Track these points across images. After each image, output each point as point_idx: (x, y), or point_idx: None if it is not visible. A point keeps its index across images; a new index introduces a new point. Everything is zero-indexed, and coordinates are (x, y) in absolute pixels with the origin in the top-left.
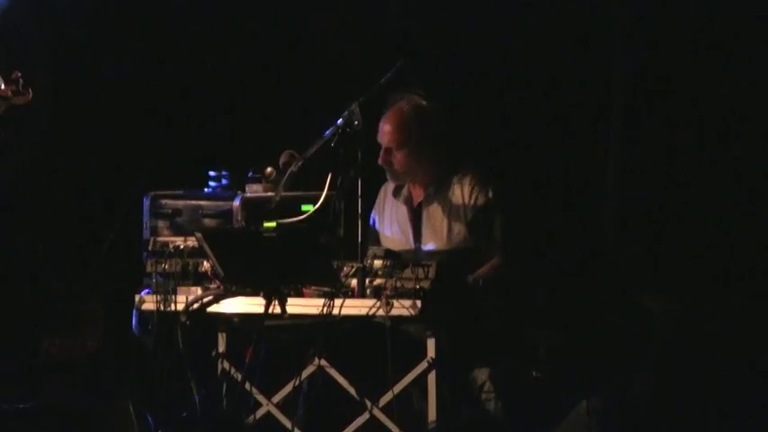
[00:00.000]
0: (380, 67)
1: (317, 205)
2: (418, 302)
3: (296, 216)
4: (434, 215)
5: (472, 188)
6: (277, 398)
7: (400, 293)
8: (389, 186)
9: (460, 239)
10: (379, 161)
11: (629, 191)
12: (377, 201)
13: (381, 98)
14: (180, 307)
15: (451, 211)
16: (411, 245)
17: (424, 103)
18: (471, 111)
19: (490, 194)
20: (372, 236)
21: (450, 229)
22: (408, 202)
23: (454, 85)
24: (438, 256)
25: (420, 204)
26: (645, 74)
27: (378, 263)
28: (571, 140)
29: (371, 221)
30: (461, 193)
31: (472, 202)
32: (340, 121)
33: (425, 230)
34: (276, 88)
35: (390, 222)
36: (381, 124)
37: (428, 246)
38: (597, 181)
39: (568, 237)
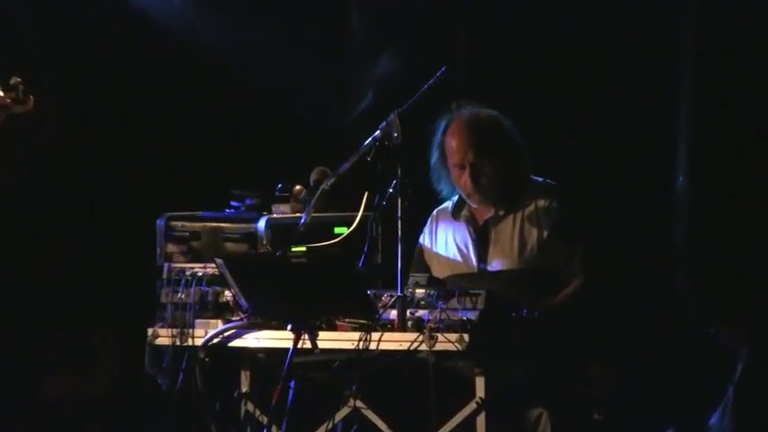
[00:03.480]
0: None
1: (352, 227)
2: (465, 336)
3: (328, 240)
4: (504, 233)
5: (550, 206)
6: None
7: (446, 326)
8: (443, 209)
9: (532, 257)
10: (463, 181)
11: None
12: (426, 227)
13: (422, 109)
14: (198, 342)
15: (524, 229)
16: (473, 266)
17: (495, 113)
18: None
19: (572, 214)
20: (418, 264)
21: (521, 248)
22: (470, 221)
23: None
24: (507, 275)
25: (486, 223)
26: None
27: (420, 292)
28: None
29: (418, 247)
30: (537, 209)
31: (549, 220)
32: (377, 133)
33: (492, 249)
34: (304, 97)
35: (447, 244)
36: (451, 140)
37: (494, 265)
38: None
39: (640, 264)
